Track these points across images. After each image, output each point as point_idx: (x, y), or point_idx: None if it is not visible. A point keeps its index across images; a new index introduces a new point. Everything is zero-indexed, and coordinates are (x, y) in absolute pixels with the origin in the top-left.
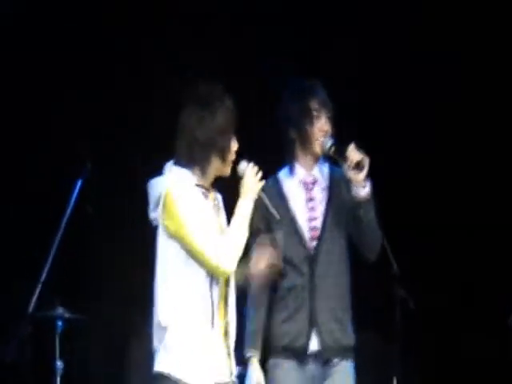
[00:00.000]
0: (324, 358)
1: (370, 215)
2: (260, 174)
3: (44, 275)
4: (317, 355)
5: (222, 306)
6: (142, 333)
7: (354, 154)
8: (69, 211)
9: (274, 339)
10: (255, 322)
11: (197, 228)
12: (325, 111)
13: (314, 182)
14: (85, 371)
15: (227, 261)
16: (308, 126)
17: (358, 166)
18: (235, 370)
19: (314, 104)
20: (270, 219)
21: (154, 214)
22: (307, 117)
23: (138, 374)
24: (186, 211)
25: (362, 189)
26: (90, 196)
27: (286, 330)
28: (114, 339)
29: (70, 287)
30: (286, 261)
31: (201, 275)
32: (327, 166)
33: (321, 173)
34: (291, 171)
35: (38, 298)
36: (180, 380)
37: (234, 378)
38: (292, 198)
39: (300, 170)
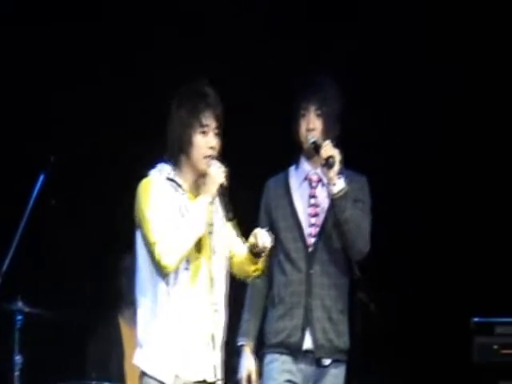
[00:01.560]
0: (316, 357)
1: (345, 214)
2: (225, 175)
3: (5, 268)
4: (310, 353)
5: (205, 303)
6: (100, 328)
7: (326, 150)
8: (31, 204)
9: (270, 335)
10: (249, 312)
11: (152, 220)
12: (314, 109)
13: (319, 180)
14: (44, 366)
15: (168, 257)
16: (295, 124)
17: (328, 163)
18: (219, 370)
19: (302, 102)
20: (273, 218)
21: None
22: (295, 115)
23: (97, 368)
24: (148, 202)
25: (333, 186)
26: (54, 189)
27: (282, 326)
28: (73, 333)
29: (30, 281)
30: (285, 255)
31: (180, 270)
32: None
33: None
34: (297, 167)
35: None
36: (145, 371)
37: (218, 377)
38: (296, 193)
39: (307, 166)
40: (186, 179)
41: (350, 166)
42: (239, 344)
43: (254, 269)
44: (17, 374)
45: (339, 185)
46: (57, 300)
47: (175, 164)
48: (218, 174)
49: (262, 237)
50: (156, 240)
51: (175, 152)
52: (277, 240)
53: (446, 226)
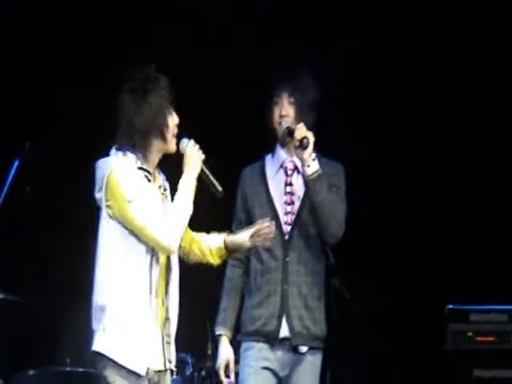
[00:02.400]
0: (293, 344)
1: (319, 196)
2: (200, 149)
3: None
4: (286, 341)
5: (161, 291)
6: (74, 314)
7: (299, 131)
8: (5, 191)
9: (246, 323)
10: (226, 301)
11: (139, 206)
12: (287, 96)
13: (295, 169)
14: (18, 352)
15: (169, 236)
16: (269, 111)
17: (302, 144)
18: (173, 357)
19: (275, 89)
20: (249, 205)
21: (99, 195)
22: (269, 103)
23: (71, 354)
24: (129, 190)
25: (308, 168)
26: (29, 176)
27: (259, 314)
28: (50, 321)
29: (5, 268)
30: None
31: (140, 257)
32: (314, 155)
33: None
34: (273, 155)
35: None
36: (115, 360)
37: (172, 367)
38: (271, 181)
39: (282, 154)
40: (151, 166)
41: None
42: (217, 333)
43: (218, 262)
44: None
45: (313, 166)
46: (31, 287)
47: (141, 152)
48: (195, 151)
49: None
50: (149, 223)
51: (146, 143)
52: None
53: (423, 214)
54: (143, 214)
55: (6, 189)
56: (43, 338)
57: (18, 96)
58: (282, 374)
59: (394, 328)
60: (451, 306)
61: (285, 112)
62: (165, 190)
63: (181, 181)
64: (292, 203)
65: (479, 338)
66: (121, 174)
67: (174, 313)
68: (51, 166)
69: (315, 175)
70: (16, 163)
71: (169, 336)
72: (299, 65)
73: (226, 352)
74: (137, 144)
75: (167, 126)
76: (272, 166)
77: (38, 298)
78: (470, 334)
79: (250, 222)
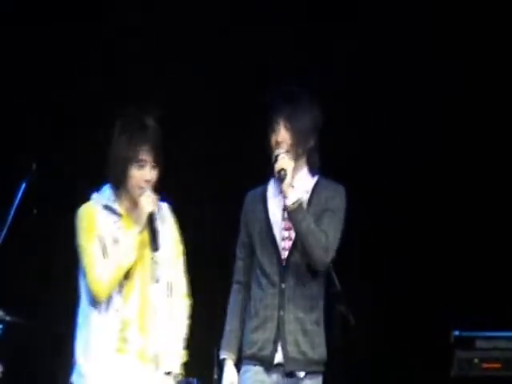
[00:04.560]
0: (287, 370)
1: (301, 226)
2: (154, 204)
3: None
4: (281, 366)
5: (140, 325)
6: None
7: (278, 163)
8: (12, 213)
9: (245, 347)
10: (230, 324)
11: (85, 250)
12: (282, 122)
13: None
14: (23, 374)
15: (98, 286)
16: (268, 137)
17: (280, 176)
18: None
19: (272, 114)
20: (250, 230)
21: None
22: (268, 129)
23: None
24: (80, 233)
25: (286, 199)
26: (35, 198)
27: (255, 339)
28: (54, 342)
29: (11, 290)
30: (260, 269)
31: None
32: (316, 177)
33: (304, 184)
34: (277, 179)
35: None
36: None
37: None
38: (271, 206)
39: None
40: (123, 204)
41: (349, 166)
42: (221, 357)
43: None
44: None
45: (292, 197)
46: (38, 307)
47: (114, 188)
48: (147, 203)
49: None
50: (89, 271)
51: (113, 178)
52: (254, 254)
53: (430, 240)
54: (87, 263)
55: (13, 211)
56: (49, 358)
57: (26, 116)
58: None
59: (400, 355)
60: (457, 333)
61: (280, 138)
62: (152, 223)
63: (124, 233)
64: (290, 229)
65: (485, 365)
66: (78, 221)
67: (153, 345)
68: (58, 187)
69: (295, 205)
70: (23, 185)
71: (153, 362)
72: (298, 85)
73: (230, 375)
74: (110, 178)
75: (126, 176)
76: (273, 191)
77: (45, 316)
78: (476, 360)
79: (251, 245)
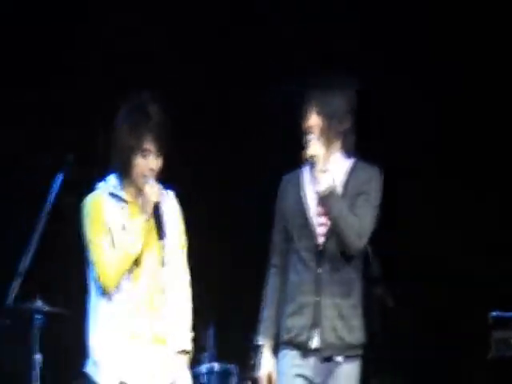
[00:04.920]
0: (325, 355)
1: (334, 211)
2: (159, 193)
3: (23, 268)
4: (318, 351)
5: (149, 309)
6: None
7: (309, 149)
8: (49, 204)
9: (281, 331)
10: (266, 310)
11: (93, 241)
12: (314, 107)
13: None
14: (64, 365)
15: (106, 277)
16: (301, 123)
17: (310, 162)
18: (172, 371)
19: (307, 101)
20: (286, 216)
21: None
22: (300, 114)
23: None
24: (87, 223)
25: (319, 184)
26: (72, 189)
27: (292, 325)
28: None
29: (49, 280)
30: (297, 254)
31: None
32: (352, 161)
33: (339, 168)
34: (309, 165)
35: (17, 291)
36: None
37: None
38: (306, 191)
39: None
40: (129, 192)
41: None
42: (258, 344)
43: None
44: (36, 372)
45: (323, 184)
46: (75, 299)
47: (120, 177)
48: (151, 193)
49: None
50: (97, 262)
51: (118, 167)
52: (290, 239)
53: (465, 222)
54: (95, 255)
55: (49, 203)
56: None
57: (62, 108)
58: (316, 380)
59: (437, 336)
60: (495, 314)
61: (311, 123)
62: (157, 211)
63: (131, 222)
64: (325, 214)
65: None
66: (85, 212)
67: (162, 331)
68: (96, 178)
69: (326, 192)
70: (60, 177)
71: (163, 352)
72: (328, 72)
73: (267, 362)
74: (115, 166)
75: (130, 165)
76: (308, 175)
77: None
78: None
79: (287, 231)
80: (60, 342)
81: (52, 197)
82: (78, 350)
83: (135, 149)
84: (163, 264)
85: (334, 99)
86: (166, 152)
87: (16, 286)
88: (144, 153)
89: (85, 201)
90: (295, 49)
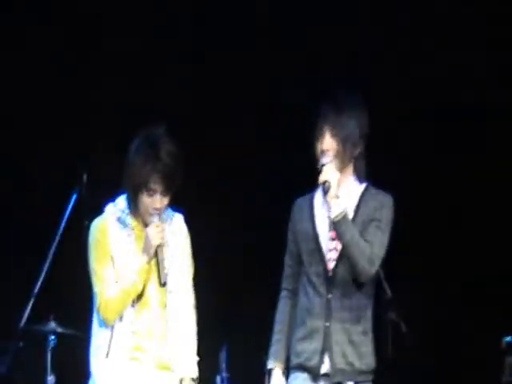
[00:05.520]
0: (334, 381)
1: (345, 237)
2: (161, 236)
3: (37, 289)
4: (328, 377)
5: (150, 341)
6: None
7: (323, 174)
8: (63, 224)
9: (292, 356)
10: (278, 333)
11: (95, 270)
12: (329, 129)
13: None
14: None
15: (106, 311)
16: (314, 146)
17: (323, 188)
18: None
19: (319, 124)
20: (297, 239)
21: None
22: (313, 137)
23: None
24: (91, 251)
25: (331, 211)
26: (86, 209)
27: (302, 349)
28: None
29: (63, 302)
30: (307, 278)
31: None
32: (364, 185)
33: (351, 192)
34: (322, 189)
35: (31, 312)
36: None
37: None
38: (318, 216)
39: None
40: (137, 217)
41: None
42: (268, 367)
43: None
44: None
45: (335, 210)
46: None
47: (129, 200)
48: (154, 235)
49: None
50: (99, 294)
51: (127, 192)
52: (301, 263)
53: (477, 247)
54: (97, 286)
55: (63, 223)
56: None
57: (75, 127)
58: None
59: (450, 360)
60: (508, 339)
61: (326, 146)
62: (159, 255)
63: (133, 261)
64: (336, 239)
65: None
66: (91, 238)
67: (164, 356)
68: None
69: (339, 217)
70: (74, 196)
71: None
72: (343, 93)
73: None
74: (126, 191)
75: (136, 200)
76: (320, 199)
77: None
78: None
79: (299, 254)
80: (73, 364)
81: (66, 217)
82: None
83: (142, 186)
84: (165, 304)
85: (349, 122)
86: (174, 191)
87: (30, 307)
88: (150, 192)
89: (91, 226)
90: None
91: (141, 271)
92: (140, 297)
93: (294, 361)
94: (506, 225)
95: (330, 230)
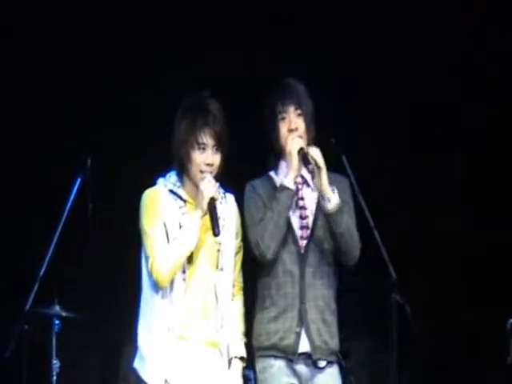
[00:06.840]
0: (314, 358)
1: (340, 228)
2: (215, 189)
3: (42, 273)
4: (305, 355)
5: (203, 311)
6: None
7: (316, 157)
8: (68, 208)
9: (261, 338)
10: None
11: (150, 234)
12: (293, 109)
13: (304, 182)
14: (81, 370)
15: (161, 271)
16: (274, 129)
17: (313, 165)
18: (223, 377)
19: (280, 105)
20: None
21: None
22: (273, 120)
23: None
24: (146, 217)
25: (328, 202)
26: (90, 193)
27: (274, 329)
28: (109, 338)
29: (67, 285)
30: (278, 258)
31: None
32: (334, 188)
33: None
34: (276, 171)
35: (36, 296)
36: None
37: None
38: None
39: (286, 170)
40: (188, 189)
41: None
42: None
43: None
44: (54, 378)
45: (334, 200)
46: (93, 304)
47: (179, 174)
48: (207, 188)
49: None
50: (151, 255)
51: (177, 163)
52: None
53: (483, 227)
54: (153, 246)
55: (68, 206)
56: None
57: (81, 109)
58: None
59: (455, 343)
60: None
61: (294, 125)
62: (213, 207)
63: (187, 217)
64: (306, 217)
65: None
66: (143, 205)
67: (220, 336)
68: (115, 181)
69: (335, 209)
70: (78, 180)
71: (218, 354)
72: (291, 76)
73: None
74: (176, 164)
75: (188, 160)
76: (280, 181)
77: (101, 315)
78: None
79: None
80: (77, 348)
81: (70, 200)
82: (96, 355)
83: (192, 143)
84: (218, 267)
85: (307, 100)
86: (225, 149)
87: (34, 290)
88: (201, 146)
89: (143, 195)
90: None
91: (195, 226)
92: (190, 261)
93: (266, 342)
94: None
95: (298, 209)
